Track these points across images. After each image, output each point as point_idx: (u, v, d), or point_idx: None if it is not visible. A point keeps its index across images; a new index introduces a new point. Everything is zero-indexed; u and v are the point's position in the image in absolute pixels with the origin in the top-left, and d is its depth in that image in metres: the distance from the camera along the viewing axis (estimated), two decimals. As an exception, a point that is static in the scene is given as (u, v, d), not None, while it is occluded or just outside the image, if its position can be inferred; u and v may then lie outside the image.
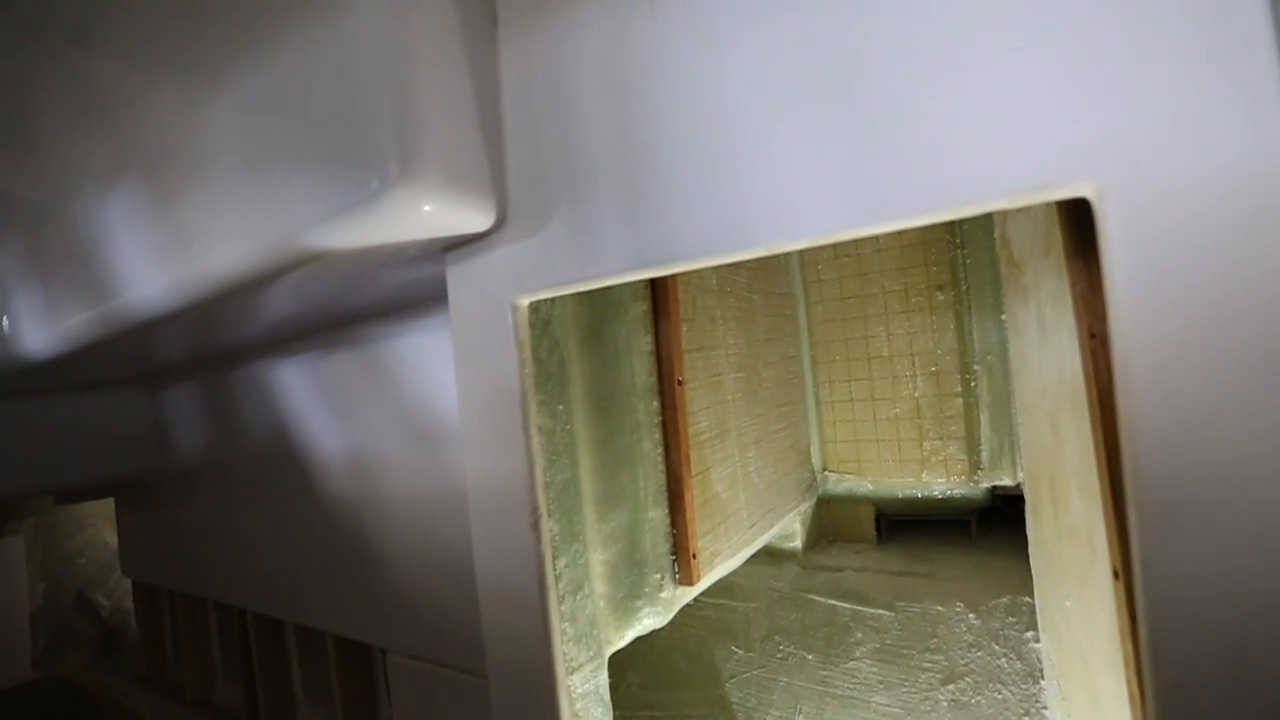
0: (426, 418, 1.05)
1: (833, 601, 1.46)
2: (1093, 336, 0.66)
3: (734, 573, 1.32)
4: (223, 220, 0.74)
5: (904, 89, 0.48)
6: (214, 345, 1.39)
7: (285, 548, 1.42)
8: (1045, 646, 1.15)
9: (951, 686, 1.22)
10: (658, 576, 0.94)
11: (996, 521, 1.60)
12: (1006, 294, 1.21)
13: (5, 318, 1.20)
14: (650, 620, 0.93)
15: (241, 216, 0.71)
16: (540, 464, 0.68)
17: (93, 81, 0.92)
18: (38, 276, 1.08)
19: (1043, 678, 1.18)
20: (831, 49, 0.51)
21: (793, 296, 1.64)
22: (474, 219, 0.67)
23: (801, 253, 1.69)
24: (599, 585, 0.87)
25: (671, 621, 1.06)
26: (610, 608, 0.88)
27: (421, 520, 1.08)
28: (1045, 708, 1.13)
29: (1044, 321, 0.86)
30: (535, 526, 0.67)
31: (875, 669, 1.31)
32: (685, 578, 0.96)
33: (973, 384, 1.52)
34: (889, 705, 1.23)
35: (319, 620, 1.36)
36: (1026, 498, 1.10)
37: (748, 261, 1.39)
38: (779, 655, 1.40)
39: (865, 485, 1.65)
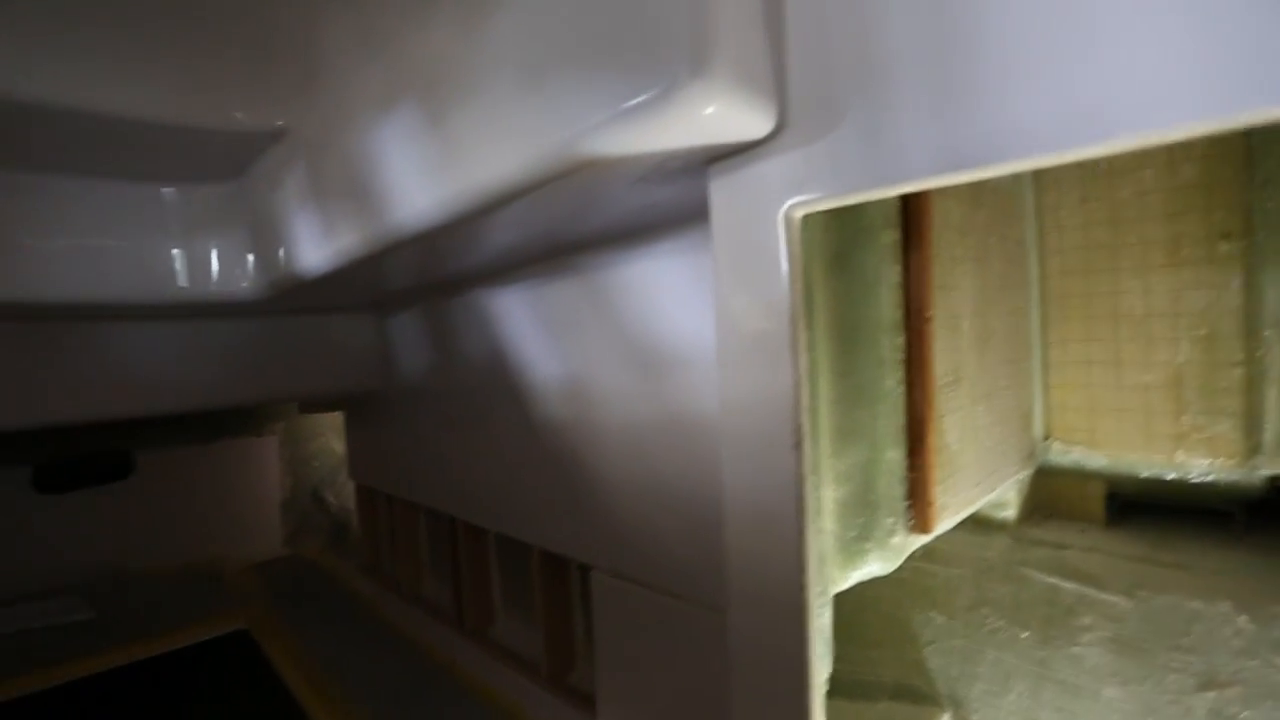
0: (648, 346, 1.06)
1: (1054, 580, 1.32)
2: None
3: (936, 535, 1.23)
4: (497, 132, 0.77)
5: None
6: (439, 273, 1.50)
7: (496, 464, 1.53)
8: (1353, 665, 0.96)
9: (1212, 694, 1.05)
10: (890, 520, 0.89)
11: (1272, 517, 1.35)
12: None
13: (283, 249, 1.38)
14: (876, 565, 0.89)
15: (518, 127, 0.73)
16: (806, 384, 0.65)
17: (371, 10, 0.99)
18: (316, 202, 1.22)
19: (1341, 702, 0.99)
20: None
21: (1024, 245, 1.47)
22: (752, 124, 0.63)
23: (1040, 197, 1.49)
24: (829, 523, 0.84)
25: (867, 578, 1.01)
26: (839, 547, 0.85)
27: (637, 446, 1.10)
28: (1344, 737, 0.95)
29: None
30: (797, 446, 0.64)
31: (1107, 659, 1.17)
32: (921, 525, 0.90)
33: (1259, 353, 1.27)
34: (1125, 702, 1.09)
35: (525, 533, 1.46)
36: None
37: (988, 199, 1.25)
38: (987, 628, 1.30)
39: (1097, 459, 1.46)
